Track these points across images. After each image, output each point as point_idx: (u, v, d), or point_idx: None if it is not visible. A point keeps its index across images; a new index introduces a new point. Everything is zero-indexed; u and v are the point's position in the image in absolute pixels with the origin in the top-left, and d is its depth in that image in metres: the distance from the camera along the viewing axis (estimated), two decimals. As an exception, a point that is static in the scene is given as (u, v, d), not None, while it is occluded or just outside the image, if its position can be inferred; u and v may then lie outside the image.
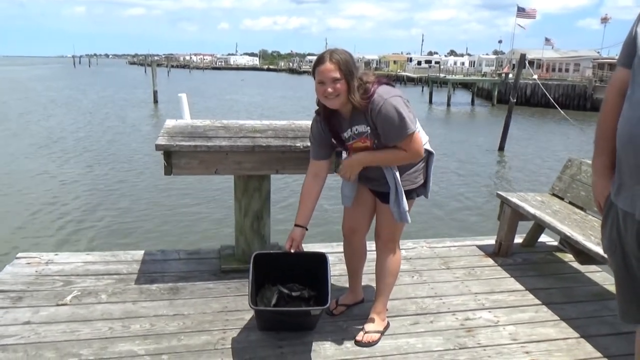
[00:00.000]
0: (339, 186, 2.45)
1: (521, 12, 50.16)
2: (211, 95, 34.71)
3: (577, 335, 2.49)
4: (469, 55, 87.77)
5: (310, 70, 2.29)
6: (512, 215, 3.44)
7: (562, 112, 18.04)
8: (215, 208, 8.42)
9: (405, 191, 2.25)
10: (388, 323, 2.49)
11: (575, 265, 3.26)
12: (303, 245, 2.38)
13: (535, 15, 51.57)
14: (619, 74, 1.60)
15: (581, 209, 3.30)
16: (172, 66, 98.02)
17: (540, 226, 3.41)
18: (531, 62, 39.17)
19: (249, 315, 2.53)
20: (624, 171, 1.51)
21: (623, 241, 1.57)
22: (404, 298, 2.81)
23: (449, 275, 3.14)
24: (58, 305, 2.59)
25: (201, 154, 2.74)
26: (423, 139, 2.29)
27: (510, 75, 35.07)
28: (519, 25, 52.26)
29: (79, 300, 2.66)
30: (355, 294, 2.69)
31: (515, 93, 15.42)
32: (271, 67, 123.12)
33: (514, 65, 40.85)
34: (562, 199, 3.51)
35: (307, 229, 2.35)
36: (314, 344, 2.33)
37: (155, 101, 26.93)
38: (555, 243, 3.71)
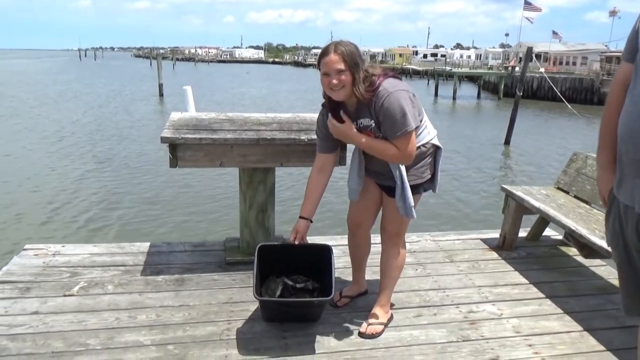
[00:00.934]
0: (345, 179, 2.45)
1: (528, 5, 49.75)
2: (217, 89, 34.73)
3: (580, 328, 2.50)
4: (476, 48, 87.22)
5: (315, 63, 2.29)
6: (517, 208, 3.44)
7: (569, 105, 17.96)
8: (220, 200, 8.46)
9: (411, 186, 2.24)
10: (392, 315, 2.51)
11: (580, 259, 3.26)
12: (307, 237, 2.39)
13: (541, 9, 51.17)
14: (623, 68, 1.60)
15: (586, 202, 3.29)
16: (178, 59, 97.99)
17: (544, 220, 3.41)
18: (538, 56, 38.90)
19: (253, 306, 2.55)
20: (624, 165, 1.52)
21: (625, 234, 1.57)
22: (408, 291, 2.82)
23: (453, 269, 3.15)
24: (65, 295, 2.63)
25: (206, 147, 2.75)
26: (431, 132, 2.28)
27: (517, 69, 34.83)
28: (526, 18, 51.81)
29: (85, 291, 2.69)
30: (359, 285, 2.70)
31: (521, 86, 15.33)
32: (276, 60, 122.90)
33: (520, 58, 40.62)
34: (567, 192, 3.50)
35: (311, 222, 2.36)
36: (317, 335, 2.35)
37: (161, 94, 26.98)
38: (560, 237, 3.70)
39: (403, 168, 2.22)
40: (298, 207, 2.41)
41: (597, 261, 3.20)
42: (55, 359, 2.10)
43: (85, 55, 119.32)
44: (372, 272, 2.81)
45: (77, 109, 21.07)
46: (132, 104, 23.66)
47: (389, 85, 2.10)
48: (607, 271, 3.17)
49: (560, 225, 2.99)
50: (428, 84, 46.02)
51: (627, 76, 1.56)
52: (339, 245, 3.11)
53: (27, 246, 3.24)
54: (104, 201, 8.36)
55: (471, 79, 47.39)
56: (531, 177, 11.27)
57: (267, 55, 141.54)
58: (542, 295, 2.83)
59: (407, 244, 2.55)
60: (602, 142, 1.68)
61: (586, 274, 3.16)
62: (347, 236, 2.62)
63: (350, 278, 2.74)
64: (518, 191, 3.49)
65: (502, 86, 35.32)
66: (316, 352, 2.23)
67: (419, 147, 2.21)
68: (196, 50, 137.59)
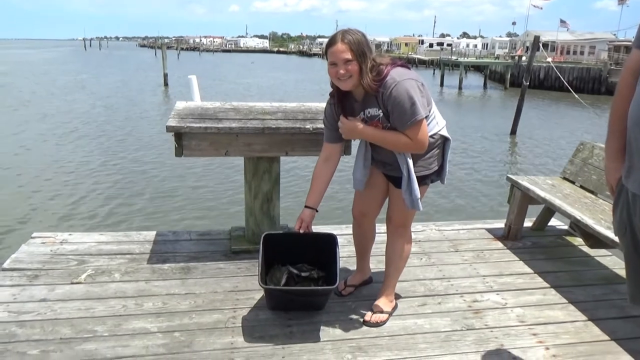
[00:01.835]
0: (350, 169, 2.45)
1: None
2: (222, 79, 34.65)
3: (585, 318, 2.50)
4: (482, 37, 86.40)
5: (321, 52, 2.27)
6: (522, 198, 3.43)
7: (576, 95, 17.79)
8: (226, 190, 8.48)
9: (419, 177, 2.22)
10: (396, 304, 2.52)
11: (585, 249, 3.26)
12: (312, 227, 2.39)
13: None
14: (634, 56, 1.59)
15: (592, 192, 3.28)
16: (182, 49, 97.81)
17: (550, 210, 3.40)
18: (545, 45, 38.52)
19: (259, 294, 2.57)
20: (633, 153, 1.51)
21: (632, 223, 1.57)
22: (413, 280, 2.83)
23: (458, 258, 3.16)
24: (73, 283, 2.66)
25: (211, 136, 2.75)
26: (440, 123, 2.26)
27: (524, 58, 34.50)
28: (534, 5, 51.21)
29: (93, 278, 2.72)
30: (363, 273, 2.71)
31: (528, 76, 15.18)
32: (281, 49, 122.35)
33: (527, 47, 40.21)
34: (573, 182, 3.49)
35: (317, 211, 2.37)
36: (322, 323, 2.36)
37: (166, 84, 26.97)
38: (566, 227, 3.70)
39: (410, 159, 2.20)
40: (303, 197, 2.41)
41: (603, 251, 3.19)
42: (63, 345, 2.13)
43: (90, 45, 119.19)
44: (377, 262, 2.82)
45: (83, 99, 21.11)
46: (137, 94, 23.67)
47: (396, 74, 2.08)
48: (613, 261, 3.16)
49: (565, 215, 2.98)
50: (434, 73, 45.71)
51: (638, 63, 1.55)
52: (343, 234, 3.12)
53: (34, 234, 3.28)
54: (111, 190, 8.41)
55: (477, 68, 46.98)
56: (537, 167, 11.22)
57: (272, 45, 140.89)
58: (547, 285, 2.84)
59: (412, 234, 2.55)
60: (611, 130, 1.67)
61: (591, 264, 3.16)
62: (351, 225, 2.62)
63: (354, 267, 2.75)
64: (524, 181, 3.47)
65: (509, 76, 35.00)
66: (321, 340, 2.24)
67: None
68: (201, 40, 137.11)
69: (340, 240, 2.47)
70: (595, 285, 2.86)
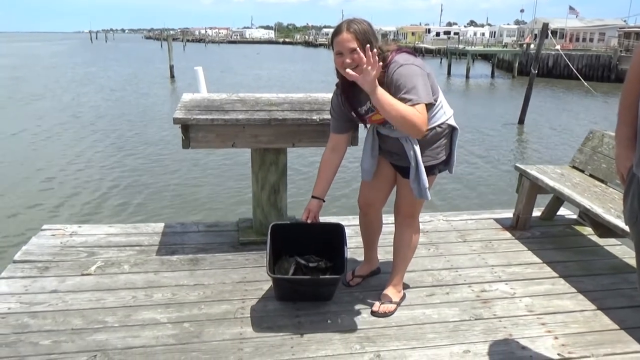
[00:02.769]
0: (357, 159, 2.44)
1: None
2: (228, 70, 34.59)
3: (594, 307, 2.49)
4: (490, 25, 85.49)
5: (327, 43, 2.23)
6: (531, 188, 3.40)
7: (585, 83, 17.60)
8: (233, 181, 8.51)
9: (426, 167, 2.21)
10: (404, 295, 2.52)
11: (594, 238, 3.24)
12: (319, 218, 2.40)
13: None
14: None
15: (602, 181, 3.25)
16: (188, 40, 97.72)
17: (559, 199, 3.37)
18: (554, 32, 38.04)
19: (267, 285, 2.58)
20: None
21: (643, 212, 1.55)
22: (421, 270, 2.83)
23: (466, 248, 3.15)
24: (83, 275, 2.68)
25: (218, 127, 2.75)
26: (447, 112, 2.24)
27: (532, 46, 34.10)
28: (543, -7, 50.47)
29: (102, 270, 2.74)
30: (371, 264, 2.72)
31: (536, 64, 15.02)
32: (287, 40, 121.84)
33: (535, 35, 39.75)
34: (582, 171, 3.46)
35: (324, 201, 2.37)
36: (330, 314, 2.37)
37: (172, 76, 26.99)
38: (575, 216, 3.67)
39: (418, 148, 2.18)
40: (310, 188, 2.41)
41: (612, 240, 3.17)
42: (75, 336, 2.15)
43: (97, 38, 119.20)
44: (385, 252, 2.82)
45: (93, 92, 21.18)
46: (144, 87, 23.71)
47: (400, 59, 2.06)
48: (622, 250, 3.14)
49: (575, 204, 2.96)
50: (441, 62, 45.35)
51: None
52: (351, 225, 3.11)
53: (45, 226, 3.31)
54: (119, 182, 8.46)
55: (485, 57, 46.54)
56: (545, 156, 11.14)
57: (277, 36, 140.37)
58: (556, 275, 2.82)
59: (420, 224, 2.55)
60: (622, 117, 1.64)
61: (600, 253, 3.14)
62: (358, 216, 2.62)
63: (362, 258, 2.75)
64: (532, 170, 3.45)
65: (517, 64, 34.66)
66: (329, 330, 2.25)
67: (434, 128, 2.18)
68: (206, 31, 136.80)
69: (347, 231, 2.47)
70: (605, 274, 2.85)
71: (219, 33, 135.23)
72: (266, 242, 2.39)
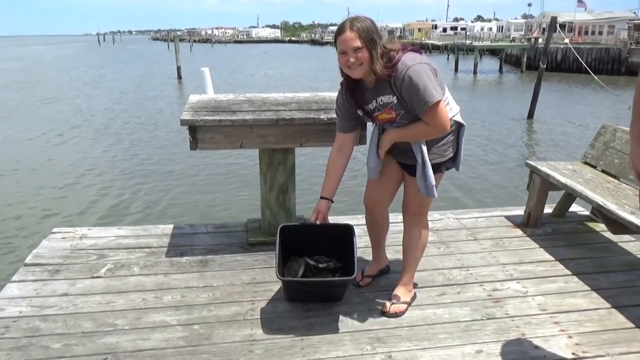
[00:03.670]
0: (365, 158, 2.42)
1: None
2: (235, 70, 34.65)
3: (608, 305, 2.45)
4: (497, 20, 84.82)
5: (333, 41, 2.23)
6: (542, 184, 3.36)
7: (595, 77, 17.37)
8: (242, 182, 8.51)
9: (433, 164, 2.20)
10: (415, 294, 2.50)
11: (608, 235, 3.19)
12: (329, 217, 2.38)
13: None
14: None
15: (615, 177, 3.20)
16: (195, 41, 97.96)
17: (571, 196, 3.33)
18: (562, 26, 37.63)
19: (276, 286, 2.57)
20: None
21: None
22: (431, 269, 2.81)
23: (476, 247, 3.12)
24: (93, 277, 2.69)
25: (226, 128, 2.75)
26: (453, 109, 2.22)
27: (540, 40, 33.79)
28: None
29: (112, 272, 2.75)
30: (380, 263, 2.70)
31: (545, 58, 14.85)
32: (293, 38, 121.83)
33: (544, 29, 39.38)
34: (594, 167, 3.41)
35: (332, 201, 2.35)
36: (341, 314, 2.36)
37: (179, 77, 27.08)
38: (587, 213, 3.62)
39: (424, 146, 2.18)
40: (318, 187, 2.39)
41: (626, 237, 3.12)
42: (85, 339, 2.16)
43: (104, 40, 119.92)
44: (394, 252, 2.80)
45: (102, 95, 21.30)
46: (153, 88, 23.79)
47: (408, 59, 2.04)
48: (637, 247, 3.09)
49: (587, 200, 2.92)
50: (448, 58, 45.08)
51: None
52: (360, 224, 3.08)
53: (55, 229, 3.32)
54: (129, 184, 8.50)
55: (492, 52, 46.21)
56: (556, 152, 11.02)
57: (283, 34, 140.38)
58: (569, 272, 2.78)
59: (429, 222, 2.53)
60: (636, 113, 1.60)
61: (614, 250, 3.09)
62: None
63: (371, 257, 2.73)
64: (543, 167, 3.41)
65: (525, 59, 34.36)
66: (340, 331, 2.24)
67: None
68: (212, 32, 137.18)
69: (357, 230, 2.45)
70: (619, 271, 2.80)
71: (225, 33, 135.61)
72: (275, 242, 2.37)
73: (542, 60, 14.80)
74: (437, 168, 2.24)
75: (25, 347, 2.10)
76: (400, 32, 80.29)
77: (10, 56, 59.47)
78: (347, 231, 2.40)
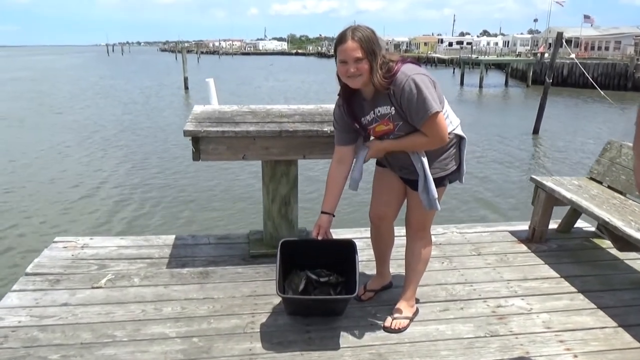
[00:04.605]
0: (369, 172, 2.41)
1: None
2: (241, 82, 34.85)
3: (615, 324, 2.41)
4: (503, 35, 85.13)
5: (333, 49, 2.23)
6: (547, 200, 3.33)
7: (601, 92, 17.32)
8: (244, 193, 8.51)
9: (436, 178, 2.18)
10: (417, 309, 2.46)
11: (614, 251, 3.14)
12: (331, 229, 2.36)
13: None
14: None
15: (621, 193, 3.17)
16: (202, 52, 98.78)
17: (576, 211, 3.29)
18: (569, 41, 37.73)
19: (277, 299, 2.54)
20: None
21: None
22: (434, 284, 2.77)
23: (480, 262, 3.08)
24: (93, 288, 2.67)
25: (229, 140, 2.74)
26: (454, 122, 2.21)
27: (546, 55, 33.81)
28: (556, 1, 50.31)
29: (113, 283, 2.73)
30: (383, 278, 2.66)
31: (551, 73, 14.87)
32: (299, 51, 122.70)
33: (550, 44, 39.42)
34: (600, 183, 3.38)
35: (334, 216, 2.33)
36: (342, 329, 2.32)
37: (186, 87, 27.30)
38: (593, 229, 3.58)
39: (425, 160, 2.16)
40: (321, 199, 2.37)
41: (632, 254, 3.07)
42: (84, 350, 2.14)
43: (113, 51, 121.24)
44: (397, 266, 2.77)
45: (111, 105, 21.47)
46: (160, 99, 23.97)
47: (407, 69, 2.04)
48: (643, 265, 3.05)
49: (593, 216, 2.88)
50: (454, 72, 45.20)
51: None
52: (362, 237, 3.07)
53: (56, 239, 3.32)
54: (131, 195, 8.52)
55: (498, 66, 46.32)
56: (561, 167, 10.97)
57: (290, 47, 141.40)
58: (574, 290, 2.74)
59: (432, 237, 2.50)
60: None
61: (620, 267, 3.04)
62: (369, 228, 2.58)
63: (374, 271, 2.70)
64: (548, 182, 3.38)
65: (531, 73, 34.41)
66: (340, 346, 2.21)
67: None
68: (220, 43, 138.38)
69: (359, 243, 2.43)
70: (625, 289, 2.75)
71: (233, 45, 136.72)
72: (276, 255, 2.35)
73: (548, 74, 14.82)
74: (440, 182, 2.23)
75: (23, 358, 2.08)
76: (407, 46, 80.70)
77: (22, 66, 60.27)
78: (349, 247, 2.37)
